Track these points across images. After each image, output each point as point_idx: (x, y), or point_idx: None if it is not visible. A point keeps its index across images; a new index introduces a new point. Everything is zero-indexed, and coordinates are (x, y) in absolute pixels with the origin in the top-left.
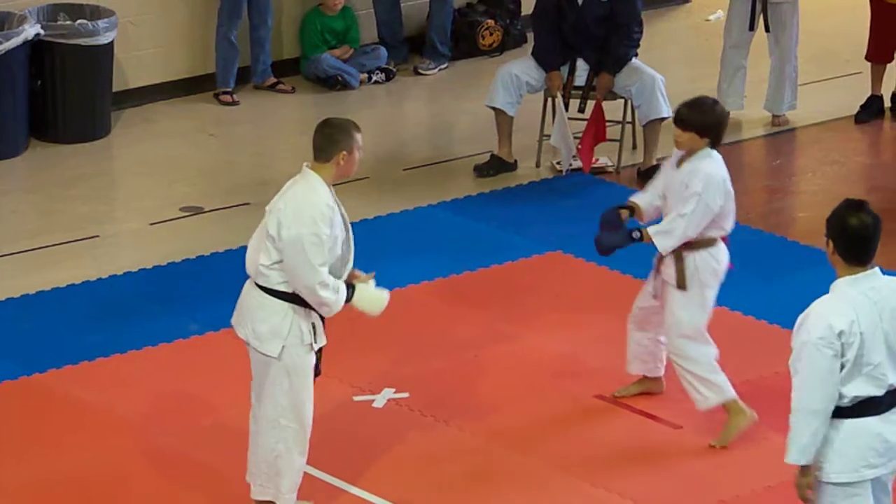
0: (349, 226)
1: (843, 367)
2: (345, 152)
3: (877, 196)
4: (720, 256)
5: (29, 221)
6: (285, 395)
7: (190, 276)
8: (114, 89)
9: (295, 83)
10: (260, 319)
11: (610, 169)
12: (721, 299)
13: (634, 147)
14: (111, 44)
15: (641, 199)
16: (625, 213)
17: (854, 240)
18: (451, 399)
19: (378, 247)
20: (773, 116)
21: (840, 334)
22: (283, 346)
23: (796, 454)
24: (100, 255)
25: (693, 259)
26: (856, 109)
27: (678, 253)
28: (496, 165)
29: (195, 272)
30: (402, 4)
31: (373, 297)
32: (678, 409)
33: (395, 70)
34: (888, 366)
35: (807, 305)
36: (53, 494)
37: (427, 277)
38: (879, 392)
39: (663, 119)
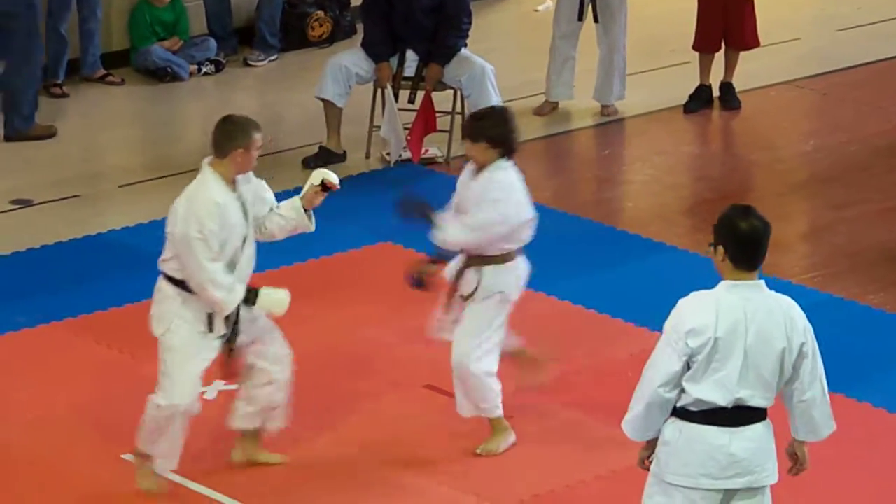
0: (251, 221)
1: (691, 366)
2: (241, 149)
3: (703, 185)
4: (520, 272)
5: None
6: (162, 375)
7: (20, 269)
8: None
9: (124, 75)
10: (155, 301)
11: (440, 159)
12: (550, 288)
13: (464, 137)
14: None
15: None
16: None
17: (745, 244)
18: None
19: None
20: (602, 106)
21: (689, 332)
22: (168, 329)
23: (623, 424)
24: None
25: (491, 273)
26: (684, 99)
27: (477, 265)
28: (325, 157)
29: (26, 264)
30: None
31: (275, 299)
32: (507, 400)
33: (224, 61)
34: (740, 379)
35: (636, 293)
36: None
37: (257, 270)
38: (724, 402)
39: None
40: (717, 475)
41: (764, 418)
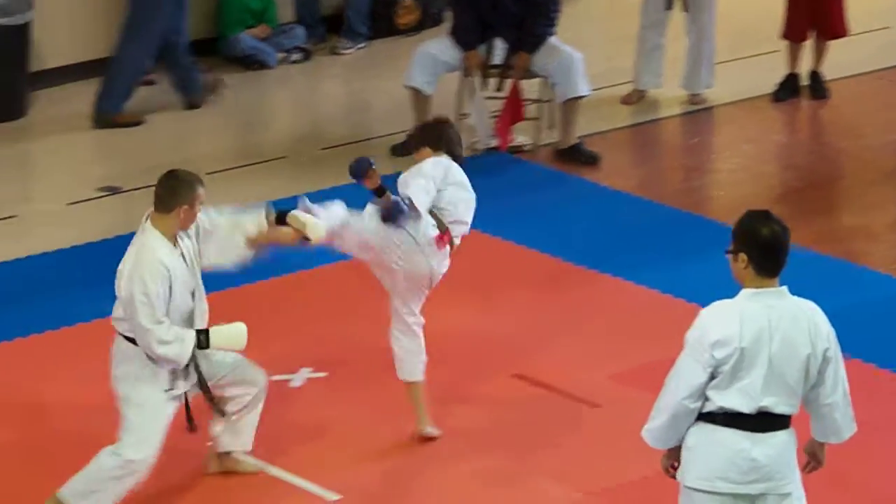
0: (198, 274)
1: (716, 376)
2: (186, 206)
3: (792, 174)
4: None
5: None
6: (126, 431)
7: (108, 256)
8: (31, 69)
9: (213, 63)
10: (115, 361)
11: (527, 148)
12: (638, 277)
13: (552, 126)
14: (29, 24)
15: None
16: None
17: (769, 249)
18: (369, 378)
19: None
20: (691, 95)
21: (714, 344)
22: (132, 389)
23: (644, 433)
24: (17, 235)
25: None
26: (773, 88)
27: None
28: None
29: (113, 252)
30: None
31: (230, 335)
32: (595, 388)
33: (312, 49)
34: (764, 387)
35: (723, 284)
36: None
37: (344, 257)
38: (748, 410)
39: (581, 97)
40: (737, 479)
41: (787, 426)
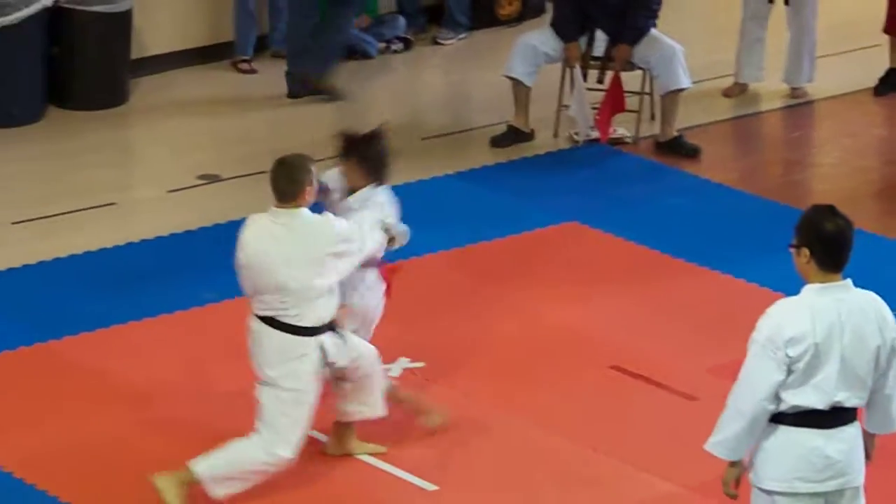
0: None
1: (791, 374)
2: (308, 187)
3: (893, 169)
4: None
5: (46, 188)
6: (284, 428)
7: (206, 244)
8: (132, 57)
9: None
10: (268, 360)
11: (628, 140)
12: (738, 271)
13: (653, 118)
14: (129, 11)
15: None
16: None
17: (833, 245)
18: (467, 369)
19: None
20: (792, 89)
21: (789, 341)
22: (299, 383)
23: (714, 446)
24: (117, 222)
25: None
26: (874, 82)
27: None
28: (513, 136)
29: (211, 240)
30: None
31: None
32: (693, 381)
33: (413, 40)
34: (837, 382)
35: None
36: (63, 461)
37: (443, 247)
38: (822, 406)
39: (682, 90)
40: (813, 478)
41: (856, 419)
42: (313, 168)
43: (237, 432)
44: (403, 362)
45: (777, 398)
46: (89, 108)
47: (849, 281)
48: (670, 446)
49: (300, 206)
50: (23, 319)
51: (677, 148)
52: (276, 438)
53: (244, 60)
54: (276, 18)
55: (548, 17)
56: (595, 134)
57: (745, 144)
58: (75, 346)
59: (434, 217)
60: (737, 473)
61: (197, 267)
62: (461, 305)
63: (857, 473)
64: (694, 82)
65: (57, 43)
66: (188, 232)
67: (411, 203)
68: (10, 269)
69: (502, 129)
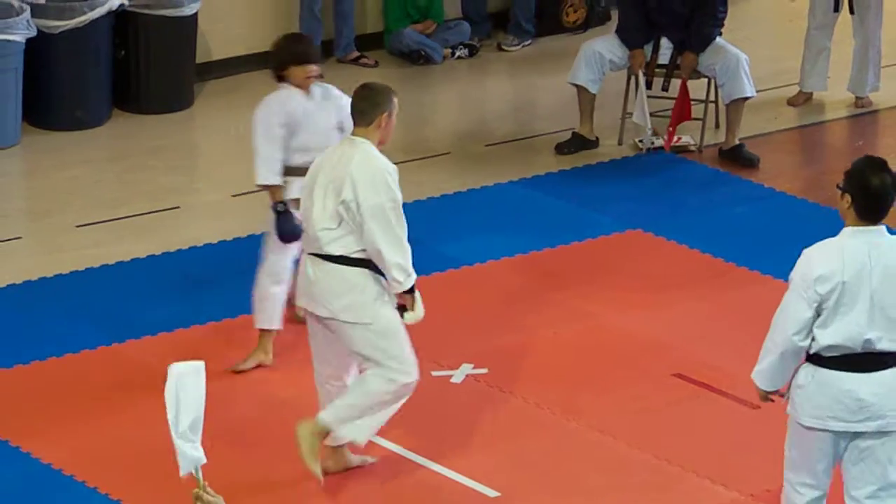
0: None
1: (821, 311)
2: (385, 114)
3: None
4: None
5: (111, 191)
6: (390, 358)
7: (242, 254)
8: (197, 60)
9: (378, 57)
10: (341, 290)
11: (692, 148)
12: None
13: (717, 126)
14: (195, 15)
15: (278, 180)
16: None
17: (873, 198)
18: (530, 376)
19: (459, 222)
20: (856, 98)
21: (818, 279)
22: (375, 315)
23: (755, 375)
24: (180, 226)
25: None
26: None
27: None
28: (578, 143)
29: (250, 250)
30: None
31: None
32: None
33: (478, 46)
34: (868, 322)
35: None
36: (117, 460)
37: (508, 254)
38: (855, 347)
39: (747, 98)
40: (847, 418)
41: (895, 363)
42: (395, 99)
43: (293, 437)
44: (467, 368)
45: (810, 335)
46: (155, 111)
47: (883, 227)
48: (733, 454)
49: (372, 135)
50: (87, 322)
51: (737, 156)
52: (393, 367)
53: None
54: (342, 23)
55: (613, 24)
56: (659, 142)
57: (809, 153)
58: (138, 350)
59: (498, 223)
60: (766, 397)
61: (238, 274)
62: (524, 312)
63: (895, 418)
64: (759, 90)
65: (123, 46)
66: (251, 236)
67: (476, 209)
68: (75, 272)
69: (567, 136)
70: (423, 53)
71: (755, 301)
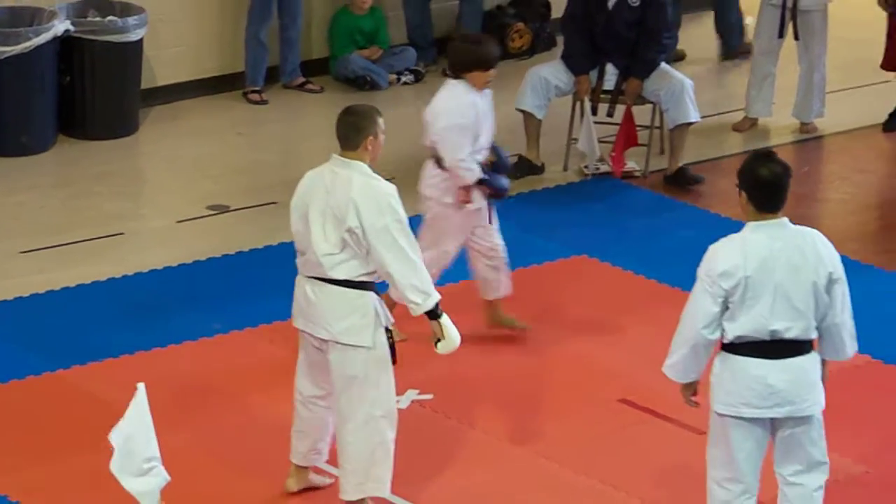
0: None
1: (728, 306)
2: (371, 137)
3: None
4: None
5: (56, 217)
6: (384, 397)
7: (215, 275)
8: (142, 86)
9: (324, 83)
10: (333, 316)
11: (638, 173)
12: None
13: (662, 152)
14: (141, 41)
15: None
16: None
17: (765, 189)
18: (476, 402)
19: None
20: (802, 124)
21: (721, 275)
22: (374, 340)
23: (667, 368)
24: (125, 252)
25: None
26: (884, 118)
27: None
28: (524, 168)
29: (221, 271)
30: (431, 6)
31: (453, 332)
32: (703, 416)
33: (424, 71)
34: (774, 313)
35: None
36: (69, 491)
37: (452, 280)
38: (763, 336)
39: (691, 123)
40: (758, 404)
41: (807, 351)
42: (380, 120)
43: (249, 461)
44: (412, 394)
45: (719, 328)
46: (100, 137)
47: (785, 219)
48: (678, 480)
49: (361, 157)
50: (31, 348)
51: (681, 178)
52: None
53: (255, 91)
54: (288, 49)
55: (558, 50)
56: (604, 167)
57: None
58: (84, 376)
59: None
60: (690, 392)
61: (205, 297)
62: (470, 337)
63: (807, 403)
64: (703, 116)
65: (68, 72)
66: (197, 262)
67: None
68: (19, 298)
69: (513, 161)
70: (368, 79)
71: None
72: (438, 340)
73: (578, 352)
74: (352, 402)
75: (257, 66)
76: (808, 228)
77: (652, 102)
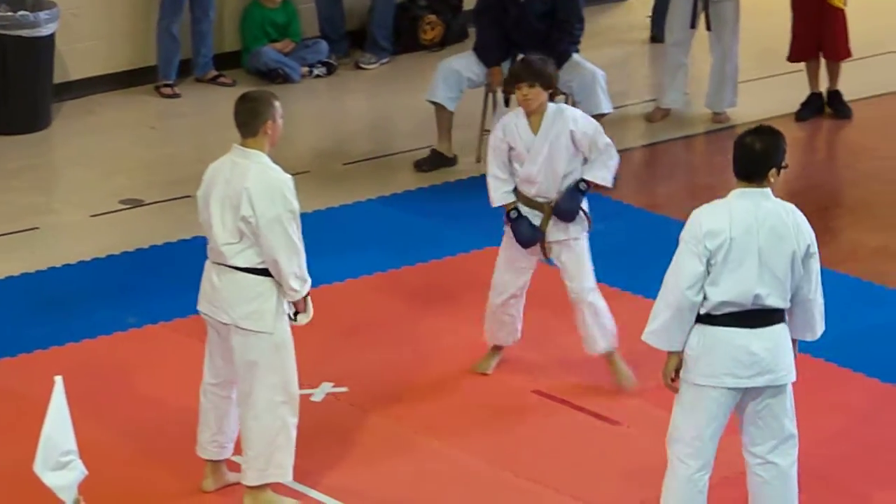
0: None
1: (711, 268)
2: (269, 121)
3: (816, 193)
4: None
5: None
6: (286, 381)
7: (130, 270)
8: (55, 81)
9: (236, 76)
10: (234, 301)
11: None
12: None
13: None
14: (52, 35)
15: (511, 198)
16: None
17: (742, 158)
18: (391, 394)
19: (319, 241)
20: (714, 114)
21: (707, 234)
22: (275, 325)
23: (648, 335)
24: (39, 247)
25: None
26: (796, 107)
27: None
28: (436, 160)
29: (135, 265)
30: None
31: (311, 306)
32: (616, 406)
33: (336, 64)
34: (757, 279)
35: None
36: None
37: (366, 272)
38: (746, 303)
39: (604, 114)
40: (740, 373)
41: (782, 320)
42: (276, 104)
43: (164, 454)
44: (327, 387)
45: (702, 290)
46: (11, 132)
47: (768, 190)
48: (592, 470)
49: (260, 144)
50: None
51: None
52: (291, 392)
53: (167, 85)
54: (200, 42)
55: (470, 41)
56: None
57: (667, 169)
58: None
59: (357, 242)
60: (675, 364)
61: (120, 292)
62: (384, 330)
63: (784, 371)
64: (616, 107)
65: None
66: (111, 256)
67: (335, 227)
68: None
69: (425, 153)
70: (281, 72)
71: (613, 317)
72: (297, 313)
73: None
74: (253, 387)
75: (169, 59)
76: (787, 202)
77: (564, 94)
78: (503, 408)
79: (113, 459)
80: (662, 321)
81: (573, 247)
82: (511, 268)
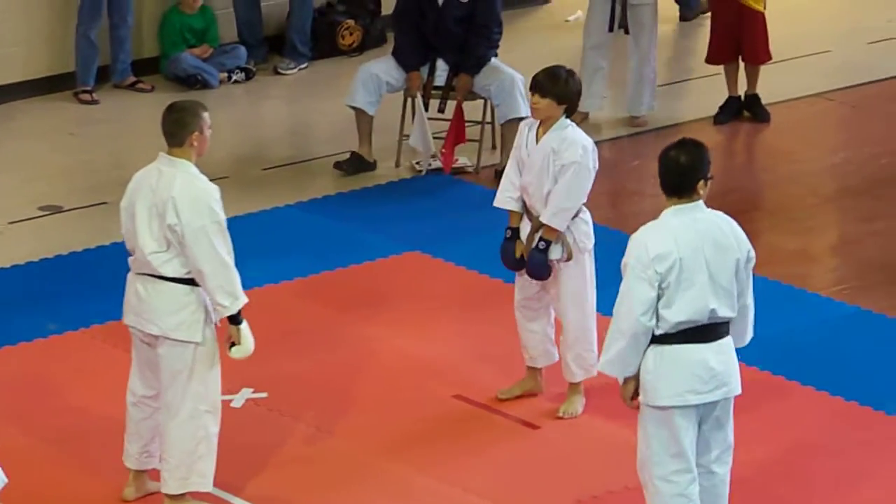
0: None
1: (663, 291)
2: (196, 132)
3: (734, 197)
4: (588, 218)
5: None
6: (208, 391)
7: (49, 276)
8: None
9: (154, 82)
10: (158, 312)
11: (469, 169)
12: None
13: (494, 147)
14: None
15: (512, 204)
16: (519, 248)
17: (668, 171)
18: (311, 400)
19: (237, 247)
20: (632, 117)
21: (655, 258)
22: (201, 336)
23: (604, 365)
24: None
25: (570, 228)
26: (714, 110)
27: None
28: (356, 163)
29: (54, 271)
30: (262, 4)
31: (249, 339)
32: (534, 410)
33: (254, 69)
34: (710, 294)
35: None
36: None
37: (286, 277)
38: (702, 319)
39: (522, 118)
40: (701, 389)
41: (728, 331)
42: (205, 115)
43: (81, 463)
44: (246, 392)
45: (655, 315)
46: None
47: (700, 202)
48: (514, 475)
49: (187, 154)
50: None
51: None
52: (208, 403)
53: (86, 91)
54: (118, 48)
55: (389, 46)
56: (436, 163)
57: None
58: None
59: (277, 247)
60: (631, 390)
61: (39, 298)
62: (304, 335)
63: (735, 383)
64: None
65: None
66: (30, 263)
67: (254, 233)
68: None
69: (345, 156)
70: (199, 78)
71: None
72: (233, 345)
73: (412, 348)
74: (177, 396)
75: (88, 65)
76: (719, 211)
77: (483, 98)
78: (425, 413)
79: (34, 467)
80: (618, 350)
81: (561, 268)
82: (520, 275)
